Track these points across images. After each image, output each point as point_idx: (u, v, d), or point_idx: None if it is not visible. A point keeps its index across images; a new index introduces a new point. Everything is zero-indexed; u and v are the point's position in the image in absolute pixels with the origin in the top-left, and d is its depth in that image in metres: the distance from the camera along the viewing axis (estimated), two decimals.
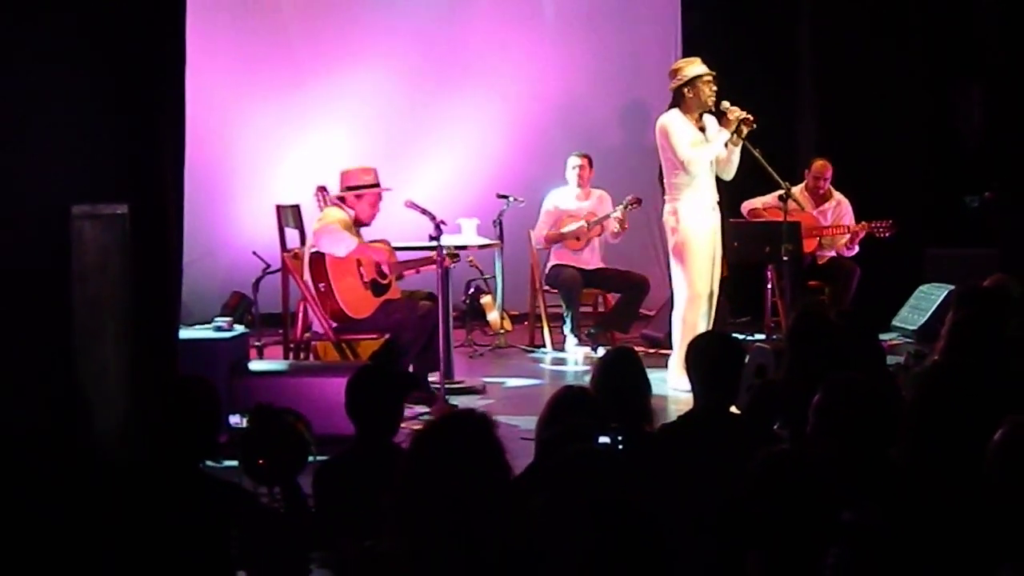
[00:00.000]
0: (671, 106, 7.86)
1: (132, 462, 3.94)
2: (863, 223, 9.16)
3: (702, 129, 7.81)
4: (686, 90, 7.78)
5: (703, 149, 7.73)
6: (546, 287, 9.57)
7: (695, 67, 7.83)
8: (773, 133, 8.77)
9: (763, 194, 9.07)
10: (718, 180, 7.94)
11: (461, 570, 2.84)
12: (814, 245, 9.22)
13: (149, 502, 3.62)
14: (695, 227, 7.79)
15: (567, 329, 9.20)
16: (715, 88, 7.75)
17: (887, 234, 9.07)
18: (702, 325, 7.66)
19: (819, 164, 9.37)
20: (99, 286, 5.40)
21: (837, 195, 9.43)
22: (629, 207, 9.15)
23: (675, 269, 7.87)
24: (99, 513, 3.64)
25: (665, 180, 7.97)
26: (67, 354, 5.21)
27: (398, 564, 2.89)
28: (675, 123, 7.78)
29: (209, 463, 4.12)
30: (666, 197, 7.96)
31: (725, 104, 7.74)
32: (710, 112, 7.82)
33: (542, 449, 4.04)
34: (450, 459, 2.95)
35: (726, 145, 7.74)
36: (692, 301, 7.74)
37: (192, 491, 3.68)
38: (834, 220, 9.35)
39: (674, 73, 7.89)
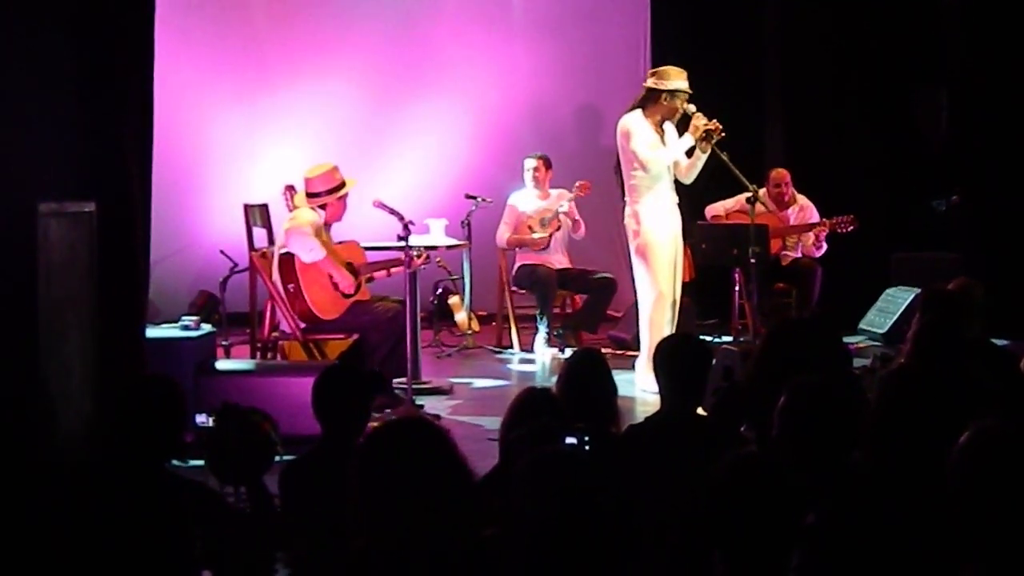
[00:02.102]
0: (636, 106, 7.89)
1: (97, 462, 3.92)
2: (825, 220, 9.19)
3: (660, 134, 7.86)
4: (664, 96, 7.81)
5: (663, 152, 7.79)
6: (514, 288, 9.58)
7: (682, 82, 7.87)
8: (740, 137, 8.78)
9: (726, 197, 9.11)
10: (684, 185, 7.98)
11: (422, 570, 2.84)
12: (779, 246, 9.25)
13: (114, 502, 3.61)
14: (657, 229, 7.84)
15: (543, 327, 9.17)
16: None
17: (849, 228, 9.08)
18: (668, 327, 7.70)
19: (775, 173, 9.41)
20: (65, 284, 5.37)
21: (801, 199, 9.48)
22: (577, 193, 9.17)
23: (639, 271, 7.89)
24: (64, 513, 3.63)
25: (625, 182, 7.99)
26: (32, 353, 5.18)
27: (360, 564, 2.89)
28: (636, 125, 7.83)
29: (175, 462, 4.11)
30: (626, 199, 7.98)
31: (691, 108, 7.76)
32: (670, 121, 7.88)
33: (507, 450, 4.04)
34: (395, 464, 2.95)
35: (691, 153, 7.77)
36: (658, 302, 7.78)
37: (157, 491, 3.67)
38: (801, 222, 9.38)
39: (658, 75, 7.92)
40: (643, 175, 7.82)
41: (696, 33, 10.33)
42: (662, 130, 7.91)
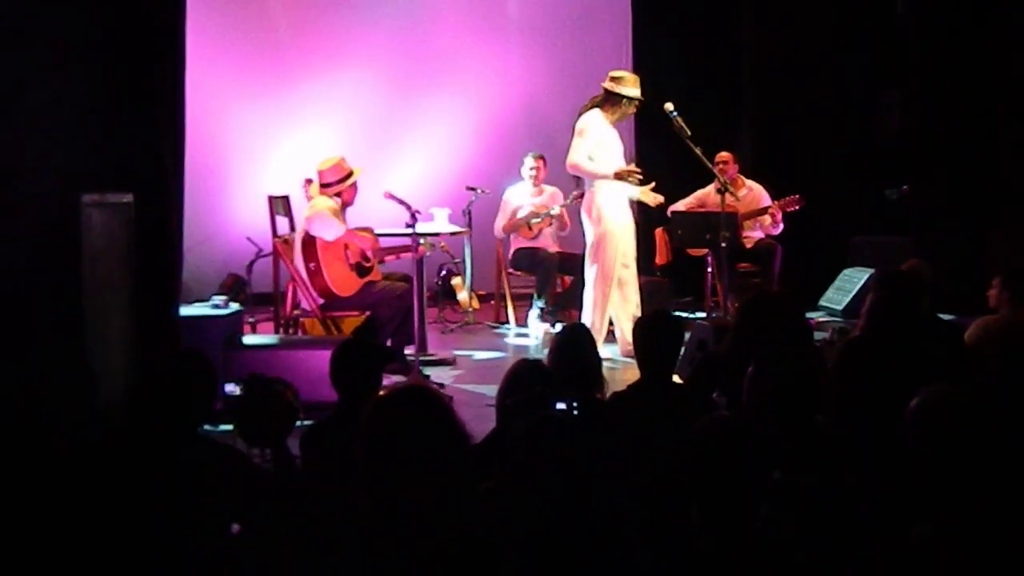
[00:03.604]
0: (596, 105, 7.93)
1: (136, 427, 3.91)
2: (775, 202, 9.15)
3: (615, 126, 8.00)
4: (625, 102, 7.88)
5: (593, 168, 7.87)
6: (512, 270, 9.59)
7: (636, 90, 7.94)
8: (714, 133, 8.81)
9: (686, 191, 9.10)
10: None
11: (426, 525, 2.84)
12: (740, 229, 9.21)
13: (152, 463, 3.61)
14: (615, 219, 7.96)
15: (539, 305, 9.16)
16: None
17: (796, 207, 9.03)
18: (631, 306, 7.91)
19: (719, 156, 9.23)
20: (106, 268, 5.37)
21: (748, 183, 9.41)
22: (572, 201, 9.19)
23: (594, 254, 7.97)
24: (107, 474, 3.63)
25: (576, 166, 8.01)
26: (77, 329, 5.18)
27: (372, 521, 2.90)
28: (593, 125, 7.89)
29: (206, 427, 4.11)
30: (585, 187, 8.04)
31: (668, 106, 7.75)
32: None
33: (504, 415, 4.04)
34: (398, 428, 2.96)
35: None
36: (607, 284, 7.93)
37: (191, 453, 3.67)
38: (751, 204, 9.30)
39: (618, 80, 7.93)
40: (585, 162, 7.89)
41: (673, 38, 10.33)
42: (615, 128, 7.96)
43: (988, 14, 9.45)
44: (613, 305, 7.99)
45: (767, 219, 9.16)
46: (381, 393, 3.28)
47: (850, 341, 4.26)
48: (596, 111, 7.90)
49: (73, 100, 5.32)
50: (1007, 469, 3.01)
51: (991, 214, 9.57)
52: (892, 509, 3.07)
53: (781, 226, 9.17)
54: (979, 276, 6.74)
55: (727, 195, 8.18)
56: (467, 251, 9.74)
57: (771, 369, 3.62)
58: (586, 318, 7.88)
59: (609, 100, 7.93)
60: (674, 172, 8.81)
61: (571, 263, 9.48)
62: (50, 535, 3.43)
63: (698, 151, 7.79)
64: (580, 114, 8.00)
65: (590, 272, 7.99)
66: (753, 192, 9.34)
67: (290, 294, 8.01)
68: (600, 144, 7.89)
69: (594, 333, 7.57)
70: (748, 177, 9.41)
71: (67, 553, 3.35)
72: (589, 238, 8.02)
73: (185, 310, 6.70)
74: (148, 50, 5.76)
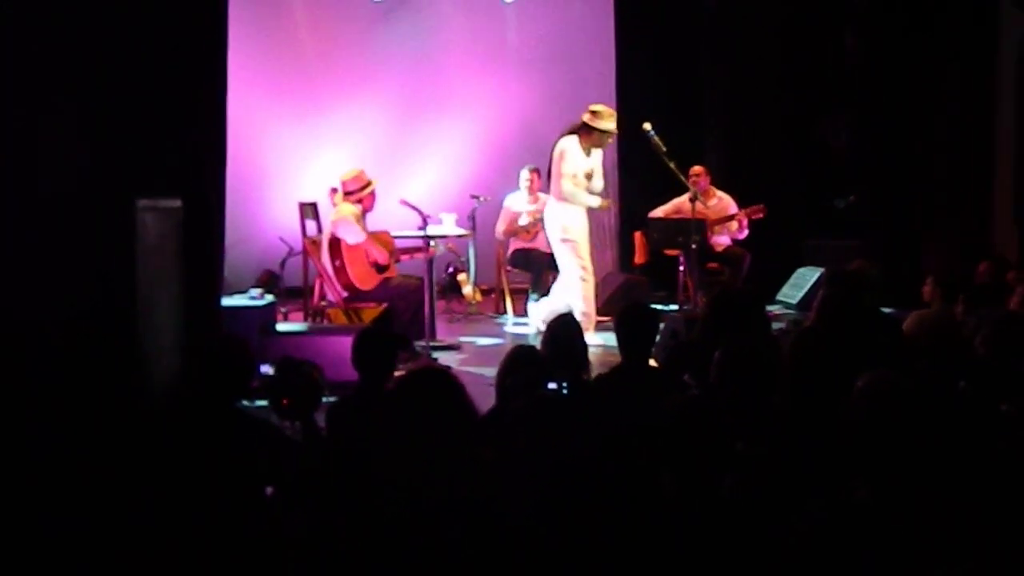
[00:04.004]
0: (573, 131, 7.94)
1: (183, 403, 3.92)
2: (740, 210, 9.15)
3: (588, 154, 7.97)
4: (596, 133, 7.88)
5: (577, 194, 7.93)
6: (509, 267, 9.60)
7: (612, 124, 7.96)
8: (686, 149, 8.80)
9: (666, 199, 9.10)
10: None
11: (439, 484, 2.85)
12: (709, 234, 9.21)
13: (196, 434, 3.62)
14: (578, 228, 8.01)
15: (534, 298, 9.15)
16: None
17: (760, 215, 9.03)
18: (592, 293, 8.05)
19: (693, 170, 9.21)
20: (157, 264, 5.36)
21: (718, 193, 9.35)
22: None
23: (571, 259, 8.02)
24: (157, 443, 3.64)
25: (553, 186, 8.05)
26: (131, 318, 5.18)
27: (405, 479, 2.90)
28: (571, 151, 7.91)
29: (244, 403, 4.11)
30: (553, 199, 8.07)
31: (646, 126, 7.76)
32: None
33: (502, 394, 4.05)
34: (420, 401, 2.97)
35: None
36: (591, 281, 8.02)
37: (230, 425, 3.68)
38: (720, 212, 9.28)
39: (595, 115, 7.93)
40: (571, 187, 7.92)
41: (650, 69, 10.29)
42: (589, 154, 7.97)
43: (923, 48, 9.48)
44: (562, 288, 8.10)
45: (734, 225, 9.16)
46: (403, 373, 3.28)
47: (803, 331, 4.26)
48: (573, 137, 7.93)
49: (130, 117, 5.31)
50: (937, 440, 3.02)
51: (926, 221, 9.60)
52: (837, 475, 3.08)
53: (746, 231, 9.17)
54: (915, 275, 6.75)
55: (697, 203, 8.21)
56: (471, 251, 9.74)
57: (735, 355, 3.63)
58: (578, 312, 7.86)
59: (585, 130, 7.94)
60: (654, 183, 8.82)
61: (552, 261, 9.48)
62: (112, 492, 3.44)
63: (672, 165, 7.80)
64: (561, 136, 8.00)
65: (573, 274, 7.99)
66: (723, 201, 9.33)
67: (317, 288, 8.02)
68: (574, 166, 7.91)
69: (588, 323, 7.64)
70: (718, 188, 9.41)
71: (124, 508, 3.36)
72: (559, 242, 8.06)
73: (226, 301, 6.70)
74: (196, 73, 5.75)
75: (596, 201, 8.10)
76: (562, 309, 7.67)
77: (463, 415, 3.01)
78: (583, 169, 7.97)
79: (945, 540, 2.74)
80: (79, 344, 4.91)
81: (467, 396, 3.04)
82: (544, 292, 9.19)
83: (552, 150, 8.02)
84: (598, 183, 8.06)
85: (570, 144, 7.91)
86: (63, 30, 5.04)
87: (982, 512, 2.82)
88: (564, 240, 8.01)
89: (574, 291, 8.00)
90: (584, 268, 7.99)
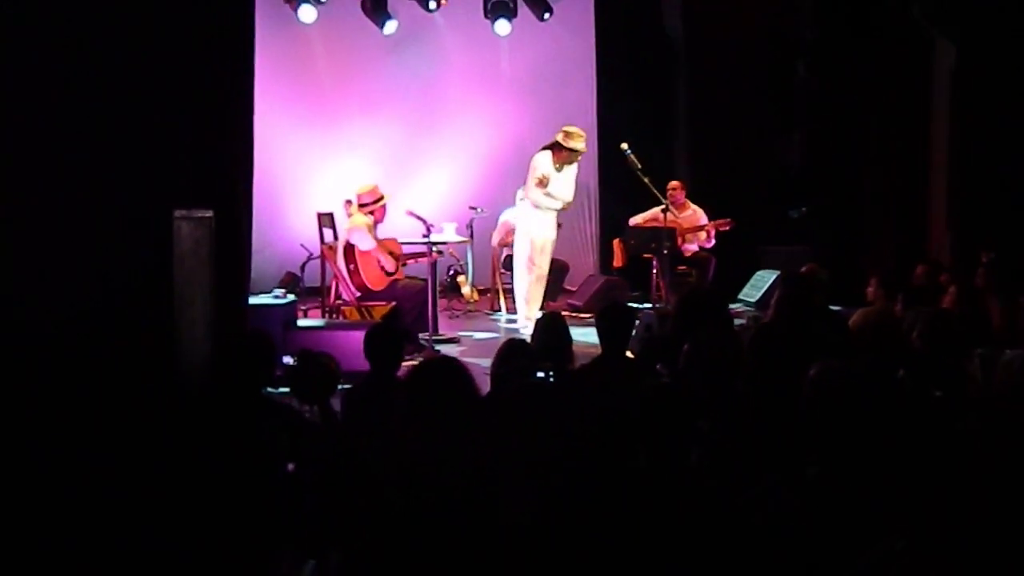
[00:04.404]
0: (548, 147, 8.01)
1: (214, 389, 3.92)
2: (710, 222, 9.20)
3: (559, 169, 8.02)
4: (567, 152, 7.94)
5: (544, 199, 8.03)
6: (503, 270, 9.60)
7: (581, 143, 8.00)
8: (658, 165, 8.82)
9: (640, 208, 9.12)
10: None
11: (446, 461, 2.85)
12: (681, 241, 9.25)
13: (226, 416, 3.62)
14: (544, 235, 8.15)
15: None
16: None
17: (727, 227, 9.08)
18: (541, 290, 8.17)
19: (670, 185, 9.29)
20: (192, 266, 5.34)
21: (692, 206, 9.41)
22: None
23: (523, 250, 8.14)
24: (190, 424, 3.64)
25: (526, 193, 8.10)
26: (168, 314, 5.17)
27: (404, 460, 2.91)
28: (543, 164, 7.97)
29: (268, 389, 4.12)
30: (523, 202, 8.15)
31: (623, 146, 7.80)
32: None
33: (496, 381, 4.05)
34: (432, 386, 2.97)
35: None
36: (540, 279, 8.15)
37: (256, 408, 3.68)
38: (692, 222, 9.32)
39: (567, 135, 7.97)
40: (539, 196, 8.01)
41: (627, 94, 10.32)
42: (561, 169, 8.01)
43: (866, 76, 9.52)
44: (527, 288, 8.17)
45: (703, 234, 9.22)
46: (415, 363, 3.29)
47: (761, 326, 4.28)
48: (547, 152, 8.00)
49: (169, 139, 5.30)
50: (878, 423, 3.03)
51: (869, 229, 9.63)
52: (791, 453, 3.09)
53: (713, 241, 9.23)
54: (859, 277, 6.76)
55: (669, 214, 8.22)
56: (469, 255, 9.75)
57: (701, 347, 3.64)
58: (520, 297, 8.10)
59: (557, 147, 7.98)
60: (630, 196, 8.82)
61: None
62: (151, 463, 3.44)
63: (646, 180, 7.82)
64: (538, 151, 8.05)
65: (521, 264, 8.13)
66: (695, 213, 9.38)
67: (333, 288, 8.00)
68: (544, 177, 7.97)
69: (524, 310, 7.93)
70: (691, 201, 9.44)
71: (161, 483, 3.36)
72: (522, 241, 8.13)
73: (252, 300, 6.69)
74: (227, 100, 5.73)
75: (558, 204, 8.14)
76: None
77: (469, 398, 3.02)
78: (555, 184, 8.07)
79: (886, 509, 2.75)
80: (123, 336, 4.91)
81: (473, 382, 3.05)
82: None
83: (530, 162, 8.07)
84: (561, 190, 8.11)
85: (543, 160, 7.98)
86: (118, 66, 5.05)
87: (918, 485, 2.83)
88: (525, 236, 8.12)
89: (519, 279, 8.11)
90: (532, 264, 8.05)
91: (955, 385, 3.88)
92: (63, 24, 4.95)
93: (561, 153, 7.97)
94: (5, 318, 4.61)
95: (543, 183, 8.02)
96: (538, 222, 8.15)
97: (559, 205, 8.16)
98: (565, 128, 8.09)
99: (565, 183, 8.10)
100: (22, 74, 4.86)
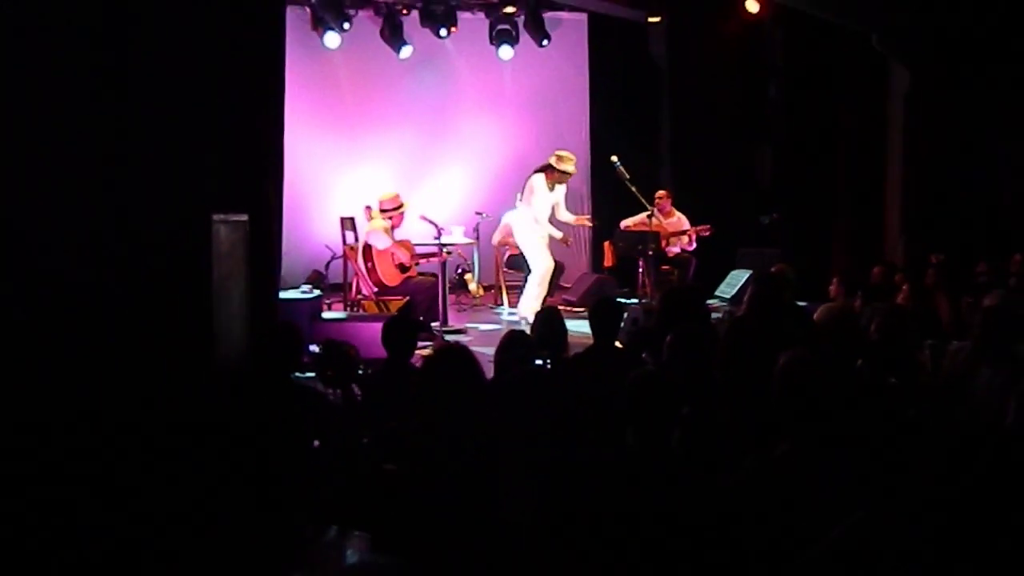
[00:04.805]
0: (541, 169, 8.00)
1: (248, 374, 3.91)
2: (692, 228, 9.20)
3: (551, 188, 8.01)
4: (558, 173, 7.93)
5: (546, 227, 8.05)
6: (505, 269, 9.59)
7: (572, 166, 7.97)
8: (644, 176, 8.81)
9: (633, 214, 9.11)
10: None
11: (455, 439, 2.85)
12: (665, 244, 9.24)
13: (259, 399, 3.61)
14: (543, 240, 8.10)
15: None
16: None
17: (707, 233, 9.09)
18: (545, 288, 8.12)
19: (658, 193, 9.30)
20: (228, 265, 5.35)
21: (677, 213, 9.42)
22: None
23: (540, 252, 8.09)
24: (226, 406, 3.63)
25: (524, 202, 8.08)
26: (207, 308, 5.17)
27: (417, 437, 2.90)
28: (540, 185, 7.97)
29: (296, 375, 4.11)
30: (523, 212, 8.09)
31: (613, 158, 7.78)
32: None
33: (499, 368, 4.05)
34: (445, 371, 2.97)
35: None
36: (545, 275, 8.10)
37: (285, 392, 3.68)
38: (676, 227, 9.33)
39: (559, 158, 7.97)
40: (553, 229, 8.08)
41: (617, 113, 10.33)
42: (553, 189, 8.00)
43: (830, 96, 9.52)
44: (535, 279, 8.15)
45: (685, 239, 9.25)
46: (429, 351, 3.29)
47: (735, 320, 4.27)
48: (541, 175, 7.98)
49: (207, 151, 5.30)
50: (840, 407, 3.02)
51: (832, 234, 9.62)
52: (763, 433, 3.09)
53: (695, 245, 9.25)
54: (823, 276, 6.75)
55: (654, 219, 8.22)
56: (475, 255, 9.72)
57: (682, 338, 3.64)
58: (532, 292, 8.05)
59: (550, 169, 7.97)
60: (619, 204, 8.81)
61: None
62: (193, 438, 3.44)
63: (634, 189, 7.82)
64: (533, 172, 8.01)
65: (543, 265, 8.11)
66: (680, 219, 9.39)
67: (354, 284, 8.01)
68: (540, 199, 7.97)
69: (533, 303, 7.87)
70: (676, 208, 9.46)
71: (199, 460, 3.36)
72: (538, 244, 8.11)
73: (282, 295, 6.70)
74: (260, 116, 5.74)
75: (559, 233, 8.16)
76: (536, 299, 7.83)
77: (476, 382, 3.02)
78: (550, 202, 8.06)
79: (847, 483, 2.75)
80: (169, 327, 4.91)
81: (480, 368, 3.05)
82: None
83: (527, 179, 8.06)
84: (564, 215, 8.14)
85: (539, 182, 7.95)
86: (168, 91, 5.05)
87: (876, 461, 2.82)
88: (536, 244, 8.07)
89: (536, 276, 8.07)
90: (546, 266, 8.04)
91: (908, 373, 3.87)
92: (124, 49, 4.93)
93: (553, 174, 7.98)
94: (65, 311, 4.61)
95: (554, 209, 8.06)
96: (534, 235, 8.11)
97: (560, 234, 8.17)
98: (558, 152, 8.10)
99: (559, 206, 8.12)
100: (90, 97, 4.84)
